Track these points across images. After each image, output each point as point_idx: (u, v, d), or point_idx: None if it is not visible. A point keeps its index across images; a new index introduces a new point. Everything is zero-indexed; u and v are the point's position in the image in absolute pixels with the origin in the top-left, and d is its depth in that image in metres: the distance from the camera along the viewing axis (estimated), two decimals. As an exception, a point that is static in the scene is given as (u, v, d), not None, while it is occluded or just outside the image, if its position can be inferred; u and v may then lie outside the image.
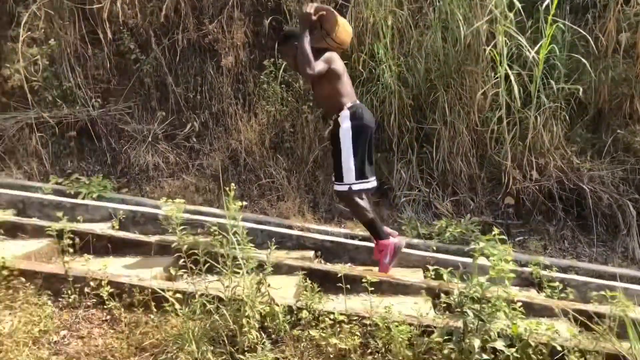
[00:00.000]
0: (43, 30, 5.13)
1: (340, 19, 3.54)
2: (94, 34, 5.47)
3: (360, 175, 3.50)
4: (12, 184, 4.53)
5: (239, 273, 2.37)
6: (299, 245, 3.85)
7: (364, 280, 2.53)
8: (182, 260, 2.46)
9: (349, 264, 3.74)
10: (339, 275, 2.57)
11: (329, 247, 3.81)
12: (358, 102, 3.68)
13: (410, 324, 2.32)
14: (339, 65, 3.54)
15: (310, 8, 3.44)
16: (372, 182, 3.64)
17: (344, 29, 3.58)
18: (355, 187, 3.51)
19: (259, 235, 3.81)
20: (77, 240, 3.01)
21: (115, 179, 5.17)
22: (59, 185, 4.64)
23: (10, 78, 5.09)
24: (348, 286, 2.60)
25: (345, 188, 3.53)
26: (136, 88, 5.55)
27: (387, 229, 3.80)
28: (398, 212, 4.97)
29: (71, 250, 2.73)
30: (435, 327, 2.30)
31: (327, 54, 3.48)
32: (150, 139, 5.35)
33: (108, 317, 2.57)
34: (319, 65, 3.38)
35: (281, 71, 5.23)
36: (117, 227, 3.68)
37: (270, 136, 5.32)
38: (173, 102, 5.52)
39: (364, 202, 3.62)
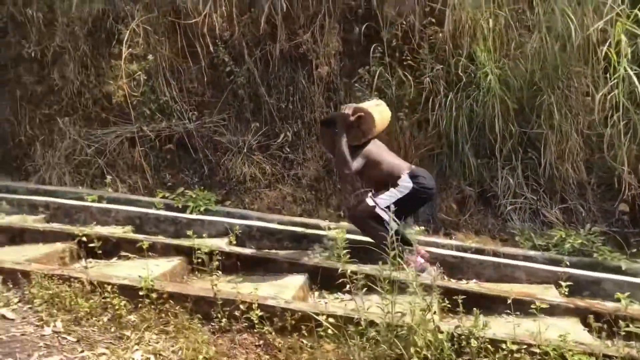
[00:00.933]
0: (142, 46, 5.24)
1: (377, 117, 3.60)
2: (188, 48, 5.57)
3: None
4: (121, 199, 4.64)
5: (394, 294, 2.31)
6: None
7: (508, 300, 2.43)
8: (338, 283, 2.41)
9: (474, 280, 3.63)
10: (490, 295, 2.47)
11: (453, 262, 3.69)
12: (414, 167, 3.68)
13: (590, 354, 2.19)
14: (374, 153, 3.62)
15: (348, 109, 3.56)
16: (393, 226, 3.49)
17: (381, 124, 3.68)
18: (378, 211, 3.44)
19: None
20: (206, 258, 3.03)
21: (216, 191, 5.22)
22: (167, 199, 4.72)
23: (114, 94, 5.23)
24: (482, 305, 2.49)
25: (372, 203, 3.48)
26: (229, 100, 5.59)
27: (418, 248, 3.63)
28: (503, 221, 4.80)
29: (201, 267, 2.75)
30: (617, 357, 2.16)
31: (364, 151, 3.59)
32: (245, 150, 5.38)
33: (261, 342, 2.56)
34: (356, 163, 3.50)
35: (376, 79, 5.15)
36: (234, 242, 3.70)
37: (365, 144, 5.25)
38: (266, 112, 5.54)
39: (377, 225, 3.46)
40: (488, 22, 4.79)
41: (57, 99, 5.78)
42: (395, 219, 3.18)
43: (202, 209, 4.46)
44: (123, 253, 3.30)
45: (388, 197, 3.46)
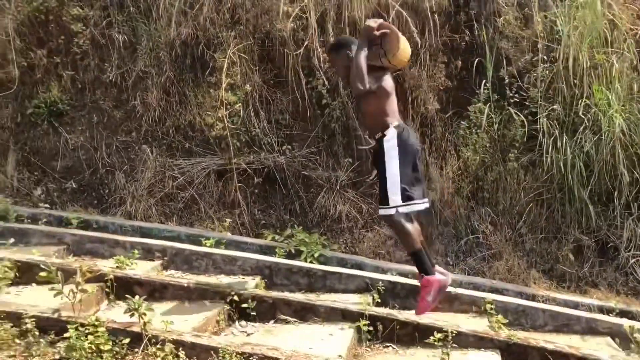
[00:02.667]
0: (238, 75, 4.97)
1: (402, 41, 3.29)
2: (279, 78, 5.31)
3: (407, 197, 3.16)
4: (234, 241, 4.29)
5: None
6: (589, 330, 3.39)
7: None
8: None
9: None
10: None
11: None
12: (402, 122, 3.44)
13: None
14: (389, 83, 3.34)
15: (374, 22, 3.26)
16: (422, 204, 3.26)
17: (404, 52, 3.33)
18: (402, 210, 3.15)
19: (539, 317, 3.41)
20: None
21: (309, 230, 4.91)
22: (276, 242, 4.41)
23: (212, 126, 4.95)
24: None
25: (392, 212, 3.16)
26: (319, 133, 5.31)
27: (437, 268, 3.35)
28: (625, 275, 4.48)
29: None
30: None
31: (380, 72, 3.29)
32: (338, 186, 5.09)
33: None
34: (370, 83, 3.18)
35: (482, 116, 4.87)
36: (378, 300, 3.38)
37: (467, 185, 4.96)
38: (356, 147, 5.25)
39: (413, 229, 3.25)
40: (613, 62, 4.50)
41: (136, 126, 5.50)
42: (412, 188, 3.13)
43: (316, 254, 4.13)
44: (281, 317, 2.97)
45: (394, 188, 3.14)
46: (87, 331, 2.31)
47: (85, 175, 5.41)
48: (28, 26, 5.47)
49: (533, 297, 3.88)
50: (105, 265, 3.33)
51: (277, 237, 4.53)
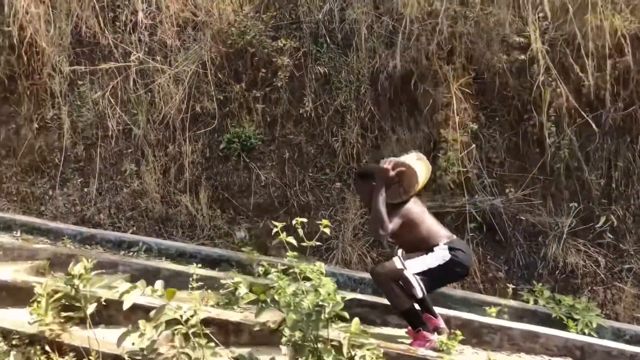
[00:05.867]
0: (461, 113, 4.58)
1: (420, 173, 3.19)
2: (491, 112, 4.89)
3: (422, 281, 3.01)
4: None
5: None
6: None
7: None
8: None
9: None
10: None
11: None
12: (455, 238, 3.26)
13: None
14: (414, 213, 3.21)
15: (388, 164, 3.18)
16: (418, 294, 3.02)
17: (424, 181, 3.29)
18: (406, 274, 2.98)
19: None
20: None
21: (533, 285, 4.42)
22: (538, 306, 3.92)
23: (446, 170, 4.57)
24: None
25: (400, 265, 3.01)
26: (536, 174, 4.83)
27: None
28: None
29: None
30: None
31: (403, 210, 3.18)
32: (565, 234, 4.58)
33: None
34: (393, 224, 3.09)
35: None
36: None
37: None
38: (580, 189, 4.73)
39: (400, 290, 3.04)
40: None
41: (329, 162, 5.21)
42: (423, 289, 2.98)
43: (593, 324, 3.61)
44: None
45: (420, 263, 3.05)
46: None
47: (279, 214, 5.14)
48: (226, 59, 5.30)
49: None
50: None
51: (532, 298, 4.02)
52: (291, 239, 2.51)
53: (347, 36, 5.21)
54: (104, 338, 2.42)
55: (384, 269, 3.09)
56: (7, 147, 5.70)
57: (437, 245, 3.12)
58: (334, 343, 2.19)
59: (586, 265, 4.46)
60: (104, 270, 3.79)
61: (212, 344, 2.27)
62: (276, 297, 2.31)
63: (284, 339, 2.25)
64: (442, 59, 4.76)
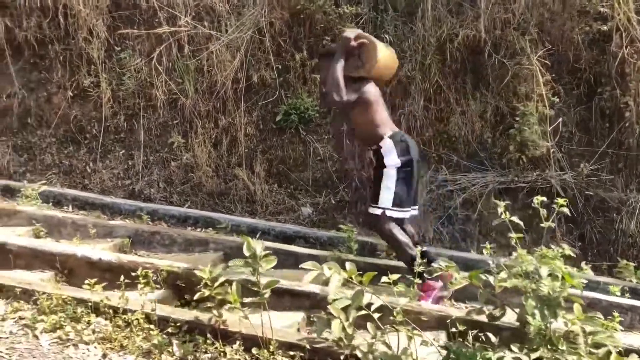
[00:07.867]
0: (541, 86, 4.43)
1: (381, 52, 3.17)
2: (566, 86, 4.78)
3: (399, 203, 3.11)
4: None
5: None
6: None
7: None
8: None
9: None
10: None
11: None
12: (397, 129, 3.34)
13: None
14: (371, 93, 3.22)
15: (351, 33, 3.20)
16: (409, 212, 3.20)
17: (384, 65, 3.24)
18: (389, 214, 3.09)
19: None
20: None
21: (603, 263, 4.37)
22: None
23: (535, 146, 4.42)
24: None
25: (378, 212, 3.10)
26: (606, 148, 4.76)
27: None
28: None
29: None
30: None
31: (360, 82, 3.20)
32: (638, 210, 4.53)
33: None
34: (348, 95, 3.12)
35: None
36: None
37: None
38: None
39: (404, 237, 3.12)
40: None
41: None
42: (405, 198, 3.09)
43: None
44: None
45: (387, 192, 3.10)
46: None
47: (338, 190, 4.94)
48: (286, 25, 5.01)
49: None
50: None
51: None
52: (515, 219, 2.26)
53: (410, 3, 4.98)
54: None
55: (376, 226, 3.14)
56: (39, 117, 5.30)
57: (383, 138, 3.17)
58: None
59: (662, 241, 4.42)
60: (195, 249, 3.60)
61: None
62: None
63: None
64: (516, 29, 4.60)
